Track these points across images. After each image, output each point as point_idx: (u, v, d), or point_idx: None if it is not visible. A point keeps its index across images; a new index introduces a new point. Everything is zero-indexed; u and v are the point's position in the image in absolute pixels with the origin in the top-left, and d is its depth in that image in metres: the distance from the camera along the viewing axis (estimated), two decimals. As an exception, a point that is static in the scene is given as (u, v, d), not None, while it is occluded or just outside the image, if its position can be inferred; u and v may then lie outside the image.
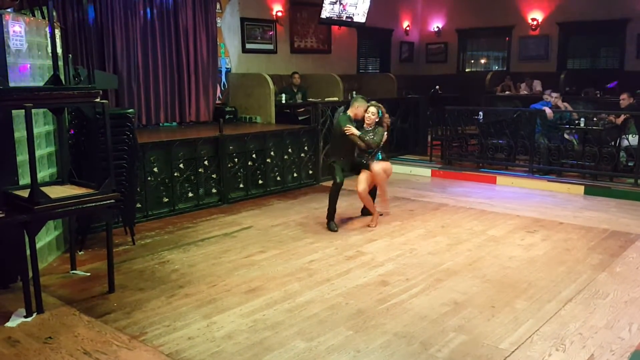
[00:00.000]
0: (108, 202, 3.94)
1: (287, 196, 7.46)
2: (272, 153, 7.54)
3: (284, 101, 9.51)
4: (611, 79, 11.41)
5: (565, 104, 8.56)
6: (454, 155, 9.17)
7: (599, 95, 11.13)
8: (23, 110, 3.56)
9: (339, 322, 3.66)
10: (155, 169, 6.25)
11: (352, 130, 5.83)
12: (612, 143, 7.76)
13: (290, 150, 7.79)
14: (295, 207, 6.81)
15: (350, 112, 5.97)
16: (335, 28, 11.84)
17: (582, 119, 8.22)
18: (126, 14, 7.78)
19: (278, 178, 7.68)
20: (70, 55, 4.72)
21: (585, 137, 7.98)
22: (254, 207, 6.85)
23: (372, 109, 5.90)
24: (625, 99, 8.27)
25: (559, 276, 4.46)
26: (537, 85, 12.05)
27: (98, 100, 3.98)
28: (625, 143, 7.63)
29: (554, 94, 8.36)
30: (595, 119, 8.29)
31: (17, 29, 4.12)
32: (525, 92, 12.07)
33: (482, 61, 14.26)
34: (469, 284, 4.30)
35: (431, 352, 3.27)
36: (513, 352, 3.26)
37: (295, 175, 7.93)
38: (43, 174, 4.58)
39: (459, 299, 4.02)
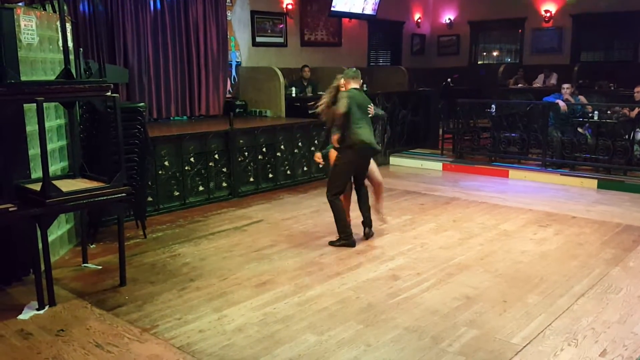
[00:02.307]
0: (119, 195, 3.96)
1: (298, 190, 7.45)
2: (282, 147, 7.53)
3: (294, 95, 9.48)
4: (625, 71, 11.25)
5: (581, 97, 8.44)
6: (466, 148, 9.09)
7: (612, 88, 10.99)
8: (35, 104, 3.58)
9: (349, 316, 3.65)
10: (166, 163, 6.28)
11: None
12: (626, 136, 7.67)
13: (300, 144, 7.78)
14: (306, 201, 6.80)
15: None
16: (345, 20, 11.77)
17: (596, 112, 8.12)
18: (137, 8, 7.79)
19: (288, 172, 7.68)
20: (81, 49, 4.75)
21: (599, 131, 7.89)
22: (264, 200, 6.86)
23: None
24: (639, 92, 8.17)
25: (571, 271, 4.42)
26: (552, 79, 11.91)
27: (109, 94, 3.99)
28: (639, 136, 7.53)
29: (565, 85, 8.24)
30: (609, 112, 8.19)
31: (28, 22, 4.13)
32: (539, 85, 11.95)
33: (495, 53, 14.12)
34: (480, 279, 4.27)
35: (442, 346, 3.26)
36: (525, 346, 3.24)
37: (305, 169, 7.92)
38: (55, 167, 4.61)
39: (471, 293, 4.00)
